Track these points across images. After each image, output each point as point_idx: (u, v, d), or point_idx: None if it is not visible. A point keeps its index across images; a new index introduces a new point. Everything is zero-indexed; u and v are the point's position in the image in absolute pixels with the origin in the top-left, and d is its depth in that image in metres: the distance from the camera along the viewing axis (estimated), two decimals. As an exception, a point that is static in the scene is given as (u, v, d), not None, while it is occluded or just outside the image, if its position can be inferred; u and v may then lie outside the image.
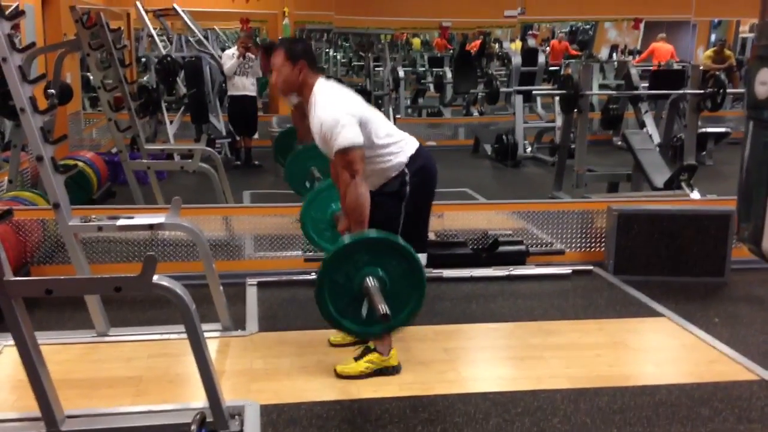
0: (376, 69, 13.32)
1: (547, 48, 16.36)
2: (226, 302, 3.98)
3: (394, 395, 3.25)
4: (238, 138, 9.43)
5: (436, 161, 3.45)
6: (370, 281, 2.99)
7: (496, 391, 3.31)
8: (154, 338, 3.83)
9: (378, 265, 3.02)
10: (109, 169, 7.30)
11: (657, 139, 7.69)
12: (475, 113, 12.90)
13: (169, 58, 9.13)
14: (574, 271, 5.00)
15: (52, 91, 5.67)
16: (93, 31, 5.53)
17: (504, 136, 9.80)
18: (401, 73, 12.49)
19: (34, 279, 3.37)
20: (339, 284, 3.04)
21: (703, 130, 9.16)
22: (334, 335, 3.80)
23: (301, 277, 4.72)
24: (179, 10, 9.80)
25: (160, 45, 9.98)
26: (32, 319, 2.57)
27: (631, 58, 14.36)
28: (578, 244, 5.22)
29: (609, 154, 9.99)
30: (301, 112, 5.45)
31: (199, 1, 11.15)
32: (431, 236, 5.13)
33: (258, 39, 13.39)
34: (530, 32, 17.03)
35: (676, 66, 11.03)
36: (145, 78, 10.89)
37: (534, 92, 10.01)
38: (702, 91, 6.53)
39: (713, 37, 17.27)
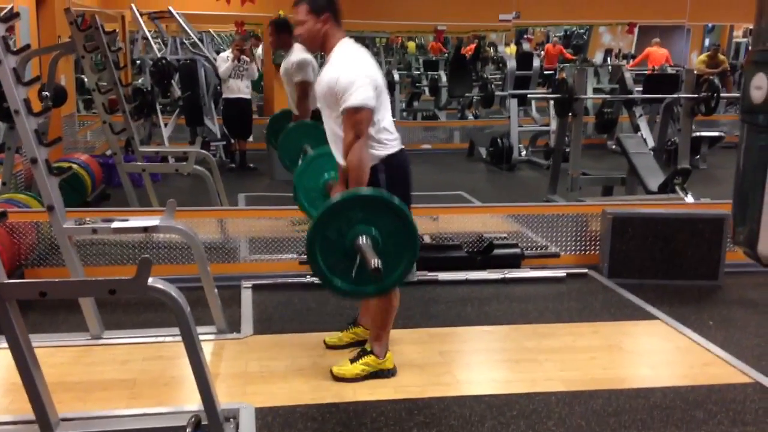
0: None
1: (542, 52, 16.41)
2: (221, 305, 3.97)
3: (390, 398, 3.25)
4: (232, 141, 9.44)
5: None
6: (363, 239, 2.94)
7: (491, 393, 3.31)
8: (148, 341, 3.82)
9: (371, 222, 2.97)
10: (103, 172, 7.28)
11: (651, 142, 7.72)
12: (470, 117, 12.91)
13: (163, 61, 9.13)
14: (568, 274, 5.01)
15: (47, 93, 5.64)
16: (88, 34, 5.51)
17: (499, 140, 9.82)
18: (396, 77, 12.51)
19: (28, 281, 3.36)
20: (331, 240, 2.98)
21: (697, 134, 9.19)
22: (330, 337, 3.80)
23: (296, 280, 4.71)
24: (174, 12, 9.79)
25: (155, 47, 9.97)
26: (26, 322, 2.56)
27: (625, 62, 14.40)
28: (573, 248, 5.24)
29: (603, 157, 10.02)
30: (303, 91, 5.49)
31: (194, 4, 11.15)
32: (426, 239, 5.14)
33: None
34: (525, 36, 17.08)
35: (670, 70, 11.08)
36: (139, 80, 10.87)
37: (529, 96, 10.05)
38: (696, 96, 6.55)
39: (707, 42, 17.34)
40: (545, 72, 13.68)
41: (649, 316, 4.36)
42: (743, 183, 2.14)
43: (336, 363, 3.48)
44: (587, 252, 5.23)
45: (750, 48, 2.21)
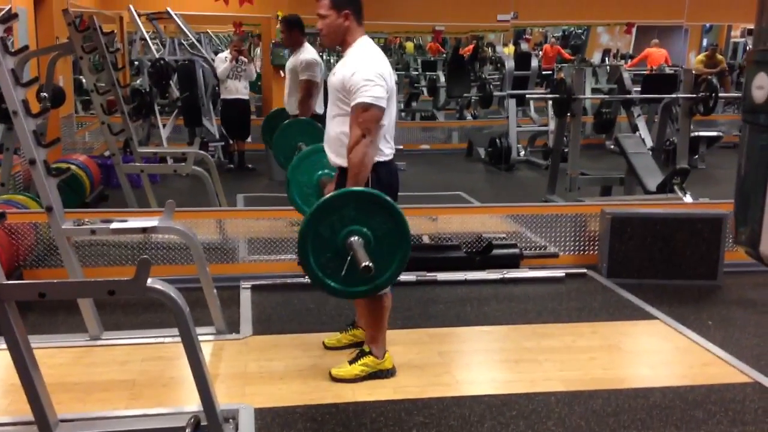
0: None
1: (540, 52, 16.41)
2: (220, 305, 3.97)
3: (389, 398, 3.25)
4: (231, 141, 9.44)
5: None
6: (355, 238, 2.94)
7: (490, 394, 3.31)
8: (147, 342, 3.82)
9: (364, 221, 2.96)
10: (101, 173, 7.27)
11: (650, 142, 7.72)
12: (469, 117, 12.92)
13: (162, 62, 9.12)
14: (567, 274, 5.01)
15: (45, 94, 5.64)
16: (86, 35, 5.50)
17: (497, 140, 9.82)
18: (395, 77, 12.49)
19: (27, 282, 3.35)
20: (323, 237, 2.97)
21: (696, 133, 9.20)
22: (329, 338, 3.80)
23: (295, 280, 4.71)
24: (172, 13, 9.78)
25: (153, 48, 9.96)
26: (25, 323, 2.56)
27: (623, 62, 14.41)
28: (572, 247, 5.24)
29: (602, 157, 10.03)
30: (307, 90, 5.48)
31: (192, 5, 11.14)
32: (425, 239, 5.14)
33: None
34: (524, 36, 17.08)
35: (668, 70, 11.09)
36: (138, 81, 10.86)
37: (527, 96, 10.04)
38: (694, 95, 6.55)
39: (705, 42, 17.36)
40: (543, 72, 13.68)
41: (648, 316, 4.36)
42: (745, 183, 2.13)
43: (335, 364, 3.48)
44: (586, 252, 5.23)
45: (751, 48, 2.20)
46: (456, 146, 11.49)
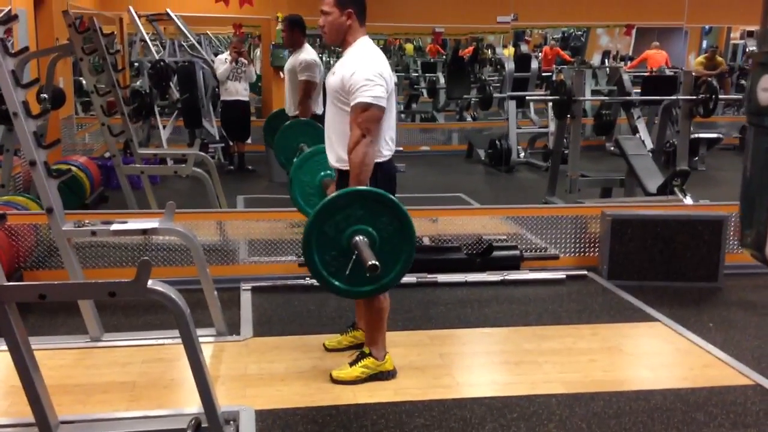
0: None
1: (540, 54, 16.41)
2: (221, 307, 3.97)
3: (390, 400, 3.24)
4: (231, 143, 9.44)
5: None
6: (360, 237, 2.94)
7: (491, 396, 3.31)
8: (148, 343, 3.82)
9: (369, 220, 2.96)
10: (102, 174, 7.27)
11: (650, 144, 7.71)
12: (469, 118, 12.92)
13: (162, 63, 9.13)
14: (568, 276, 5.01)
15: (45, 95, 5.63)
16: (86, 36, 5.50)
17: (497, 142, 9.82)
18: (394, 79, 12.48)
19: (27, 284, 3.35)
20: (328, 236, 2.97)
21: (696, 135, 9.20)
22: (329, 340, 3.79)
23: (295, 282, 4.71)
24: (172, 14, 9.78)
25: (153, 50, 9.96)
26: (25, 325, 2.55)
27: (623, 64, 14.40)
28: (572, 249, 5.23)
29: (602, 159, 10.02)
30: (306, 90, 5.48)
31: (192, 6, 11.13)
32: (426, 241, 5.14)
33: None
34: (524, 38, 17.07)
35: (668, 72, 11.09)
36: (138, 83, 10.85)
37: (527, 98, 10.04)
38: (694, 97, 6.55)
39: (704, 44, 17.36)
40: (543, 74, 13.67)
41: (649, 318, 4.35)
42: (750, 186, 2.13)
43: (335, 366, 3.47)
44: (586, 254, 5.23)
45: (756, 49, 2.18)
46: (456, 148, 11.49)
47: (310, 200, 3.91)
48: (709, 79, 6.88)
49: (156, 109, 9.29)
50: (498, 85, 12.06)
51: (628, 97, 8.18)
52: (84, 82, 7.87)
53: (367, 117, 3.07)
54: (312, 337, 3.92)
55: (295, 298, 4.56)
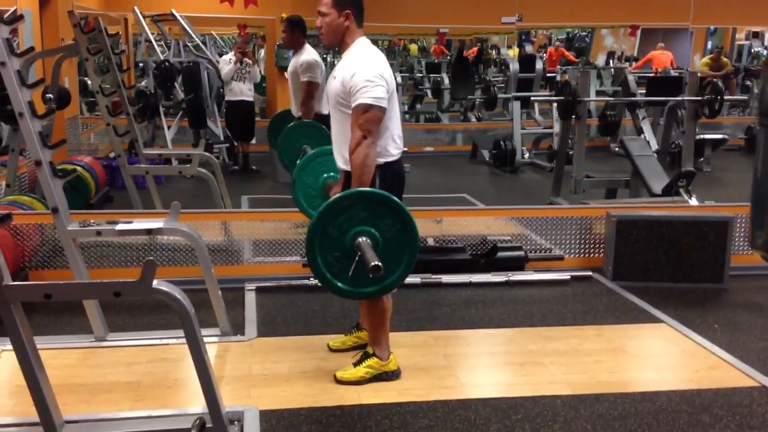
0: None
1: (544, 55, 16.40)
2: (225, 307, 3.97)
3: (394, 401, 3.24)
4: (235, 143, 9.45)
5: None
6: (364, 239, 2.94)
7: (496, 397, 3.30)
8: (153, 343, 3.82)
9: (373, 221, 2.96)
10: (106, 174, 7.29)
11: (655, 145, 7.71)
12: (473, 119, 12.91)
13: (166, 63, 9.14)
14: (573, 277, 5.00)
15: (50, 95, 5.65)
16: (91, 36, 5.51)
17: (502, 142, 9.81)
18: (399, 79, 12.48)
19: (32, 283, 3.35)
20: (331, 237, 2.97)
21: (701, 136, 9.18)
22: (333, 340, 3.79)
23: (299, 282, 4.70)
24: (177, 15, 9.80)
25: (158, 50, 9.98)
26: (30, 324, 2.56)
27: (627, 64, 14.37)
28: (577, 250, 5.22)
29: (607, 160, 10.00)
30: (309, 91, 5.48)
31: (196, 7, 11.14)
32: (430, 241, 5.14)
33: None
34: (531, 39, 17.06)
35: (673, 73, 11.06)
36: (143, 83, 10.87)
37: (532, 98, 10.03)
38: (700, 98, 6.54)
39: (709, 45, 17.32)
40: (548, 74, 13.66)
41: (654, 319, 4.34)
42: (762, 187, 2.13)
43: (340, 366, 3.47)
44: (591, 255, 5.22)
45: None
46: (460, 148, 11.49)
47: (312, 202, 3.90)
48: (715, 79, 6.87)
49: (161, 110, 9.30)
50: (502, 85, 12.04)
51: (633, 98, 8.19)
52: (89, 82, 7.91)
53: (367, 118, 3.07)
54: (316, 337, 3.92)
55: (300, 298, 4.56)
